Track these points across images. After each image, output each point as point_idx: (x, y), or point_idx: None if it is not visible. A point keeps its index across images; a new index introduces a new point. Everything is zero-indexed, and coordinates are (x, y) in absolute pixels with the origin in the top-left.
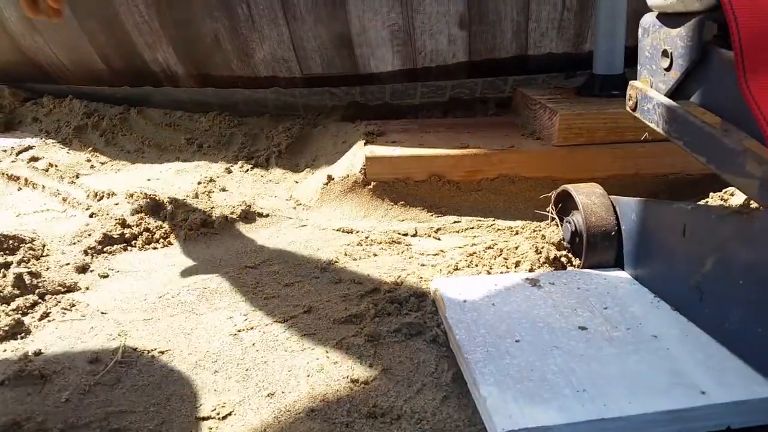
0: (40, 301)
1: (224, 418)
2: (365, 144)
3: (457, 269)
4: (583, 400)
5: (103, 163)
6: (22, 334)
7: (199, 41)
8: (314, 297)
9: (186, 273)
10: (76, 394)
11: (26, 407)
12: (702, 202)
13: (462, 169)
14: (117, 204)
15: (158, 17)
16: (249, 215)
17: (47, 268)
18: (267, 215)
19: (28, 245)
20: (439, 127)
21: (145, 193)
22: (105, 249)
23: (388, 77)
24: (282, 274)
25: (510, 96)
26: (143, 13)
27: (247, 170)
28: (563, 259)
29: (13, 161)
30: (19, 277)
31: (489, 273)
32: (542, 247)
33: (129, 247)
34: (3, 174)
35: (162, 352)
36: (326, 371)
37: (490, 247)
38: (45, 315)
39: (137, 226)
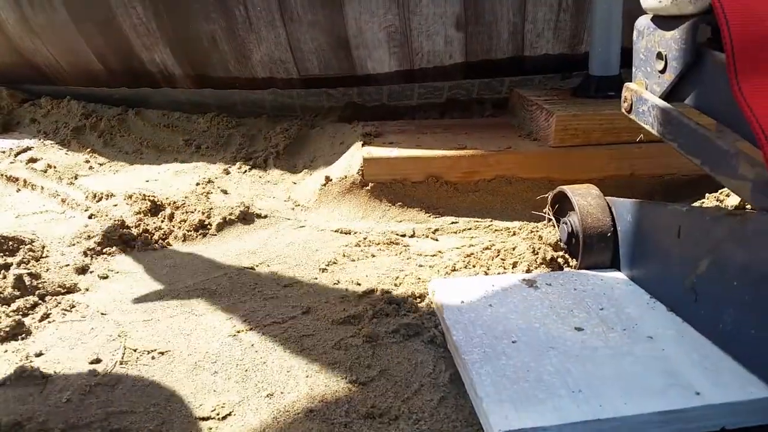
0: (40, 302)
1: (224, 418)
2: (363, 145)
3: (454, 270)
4: (578, 401)
5: (101, 164)
6: (23, 335)
7: (197, 43)
8: (313, 298)
9: (185, 274)
10: (76, 394)
11: (27, 407)
12: (698, 203)
13: (459, 170)
14: (116, 205)
15: (155, 19)
16: (247, 216)
17: (47, 270)
18: (265, 216)
19: (28, 246)
20: (436, 128)
21: (144, 195)
22: (104, 250)
23: (385, 78)
24: (280, 275)
25: (506, 97)
26: (141, 14)
27: (245, 171)
28: (560, 260)
29: (11, 162)
30: (19, 279)
31: (486, 274)
32: (539, 248)
33: (128, 248)
34: (2, 175)
35: (162, 353)
36: (325, 372)
37: (487, 248)
38: (45, 316)
39: (136, 227)
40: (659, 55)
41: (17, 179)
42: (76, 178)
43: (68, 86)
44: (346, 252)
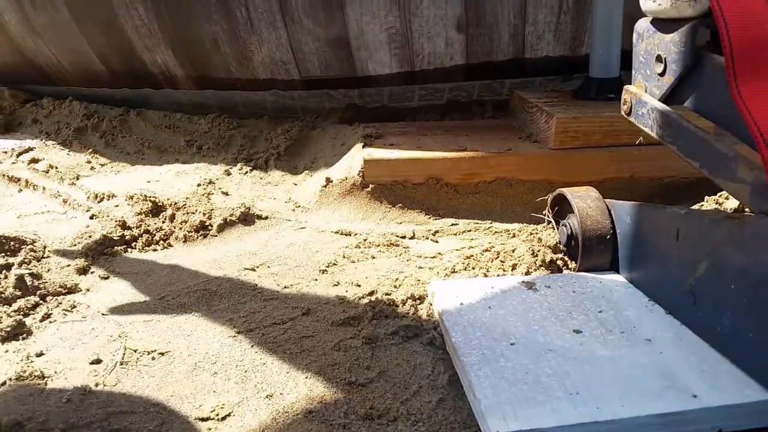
0: (41, 302)
1: (223, 419)
2: (363, 146)
3: (454, 272)
4: (576, 403)
5: (103, 165)
6: (24, 335)
7: (198, 44)
8: (313, 299)
9: (186, 275)
10: (77, 394)
11: (28, 407)
12: (697, 206)
13: (459, 172)
14: (117, 206)
15: (157, 20)
16: (248, 217)
17: (48, 270)
18: (266, 217)
19: (29, 247)
20: (436, 129)
21: (145, 195)
22: (105, 251)
23: (386, 80)
24: (281, 276)
25: (507, 99)
26: (142, 15)
27: (246, 172)
28: (559, 262)
29: (13, 163)
30: (20, 279)
31: (486, 276)
32: (538, 250)
33: (129, 249)
34: (4, 175)
35: (162, 354)
36: (324, 373)
37: (487, 250)
38: (46, 316)
39: (137, 227)
40: (659, 58)
41: (19, 179)
42: (77, 179)
43: (70, 87)
44: (346, 253)
